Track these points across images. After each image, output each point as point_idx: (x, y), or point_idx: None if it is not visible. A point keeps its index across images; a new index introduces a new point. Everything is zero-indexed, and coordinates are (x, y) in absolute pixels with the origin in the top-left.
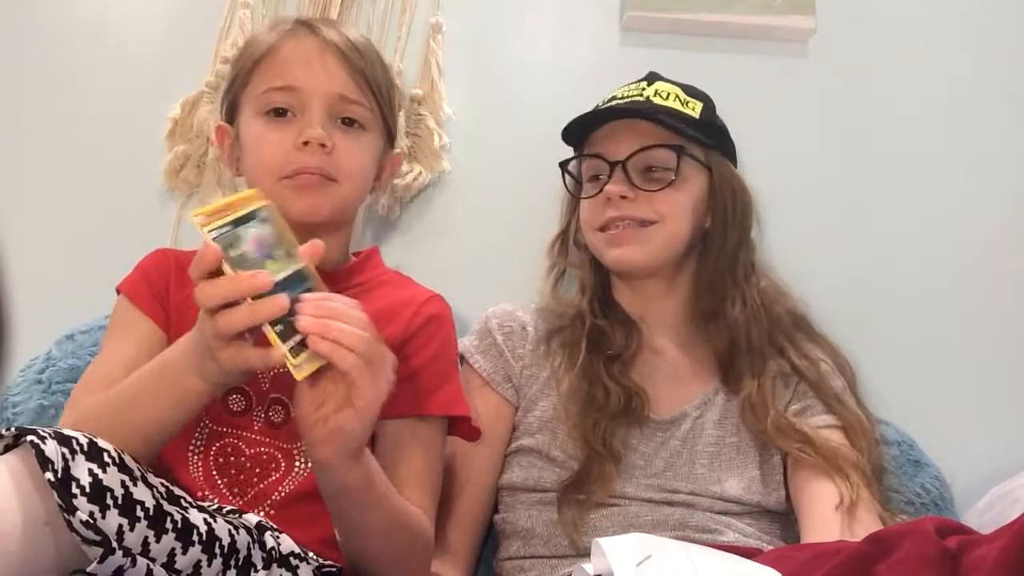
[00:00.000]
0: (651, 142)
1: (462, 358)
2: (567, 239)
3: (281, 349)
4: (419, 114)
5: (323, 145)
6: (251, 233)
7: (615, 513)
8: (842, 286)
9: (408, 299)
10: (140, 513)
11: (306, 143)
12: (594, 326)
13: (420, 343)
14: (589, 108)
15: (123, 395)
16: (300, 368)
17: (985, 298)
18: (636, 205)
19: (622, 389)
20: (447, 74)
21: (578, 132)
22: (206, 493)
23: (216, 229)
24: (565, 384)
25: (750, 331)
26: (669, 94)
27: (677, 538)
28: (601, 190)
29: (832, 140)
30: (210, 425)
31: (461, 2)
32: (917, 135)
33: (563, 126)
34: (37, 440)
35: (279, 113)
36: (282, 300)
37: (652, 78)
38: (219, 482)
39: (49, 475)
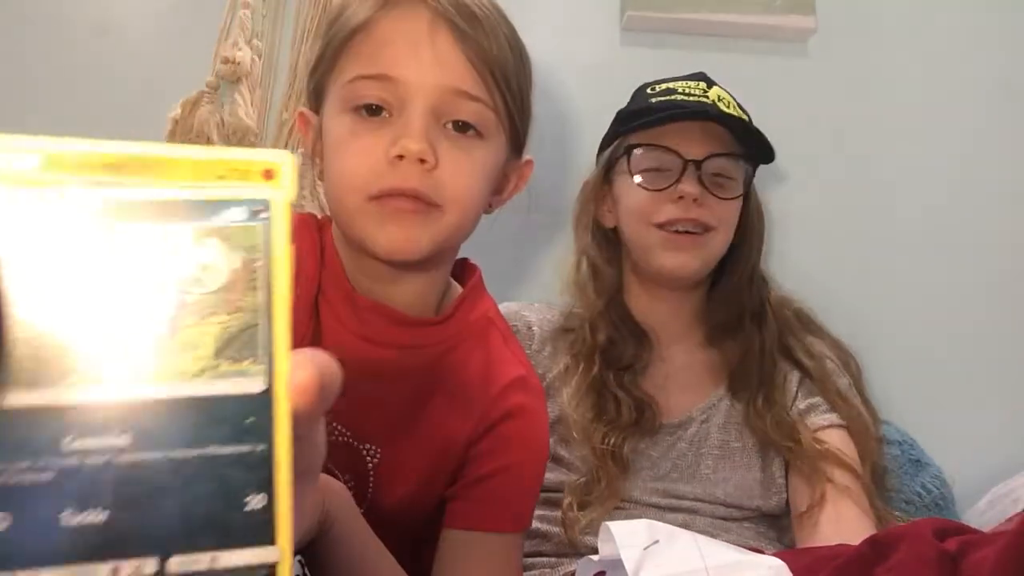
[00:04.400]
0: (724, 149)
1: None
2: (593, 219)
3: None
4: None
5: (423, 161)
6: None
7: (618, 517)
8: (842, 285)
9: (489, 380)
10: None
11: (401, 157)
12: (606, 337)
13: (491, 445)
14: (590, 108)
15: None
16: None
17: (985, 298)
18: (703, 211)
19: (634, 401)
20: None
21: (642, 117)
22: None
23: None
24: (573, 391)
25: (764, 342)
26: (729, 103)
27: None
28: (670, 185)
29: (832, 140)
30: None
31: None
32: (917, 135)
33: (561, 125)
34: None
35: (371, 111)
36: None
37: (706, 80)
38: None
39: None
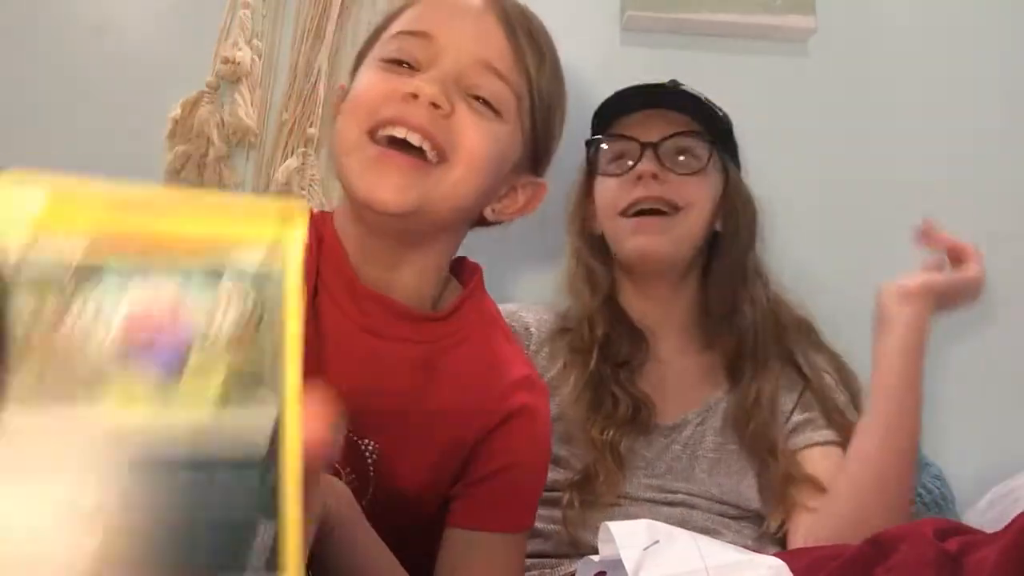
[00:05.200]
0: (685, 129)
1: None
2: (582, 223)
3: None
4: None
5: (436, 105)
6: (150, 293)
7: (616, 513)
8: (842, 285)
9: (494, 378)
10: None
11: (415, 96)
12: (604, 334)
13: (496, 445)
14: (590, 108)
15: None
16: None
17: (986, 297)
18: (665, 188)
19: (631, 398)
20: None
21: (607, 115)
22: None
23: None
24: (571, 387)
25: (758, 334)
26: (697, 94)
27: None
28: (629, 170)
29: (832, 140)
30: None
31: None
32: (917, 135)
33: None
34: None
35: (401, 64)
36: None
37: (676, 83)
38: None
39: None
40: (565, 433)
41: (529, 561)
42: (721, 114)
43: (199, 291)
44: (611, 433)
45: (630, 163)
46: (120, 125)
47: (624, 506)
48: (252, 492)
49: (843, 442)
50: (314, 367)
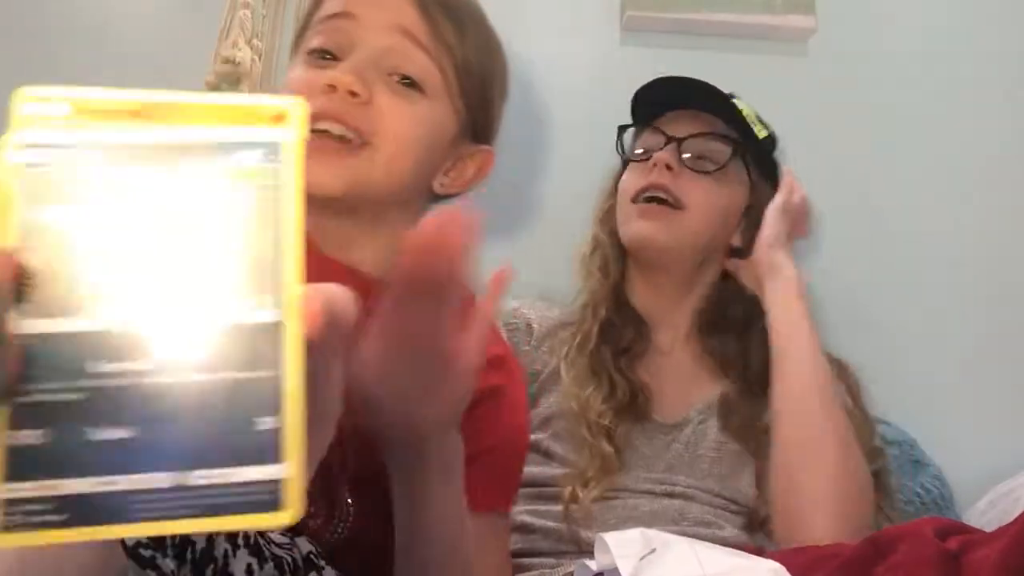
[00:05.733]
0: (709, 130)
1: None
2: (606, 212)
3: None
4: None
5: (354, 95)
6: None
7: (615, 506)
8: (842, 285)
9: None
10: (189, 556)
11: (332, 88)
12: (607, 319)
13: (470, 428)
14: (590, 108)
15: None
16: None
17: (985, 297)
18: (675, 182)
19: (628, 383)
20: None
21: (646, 106)
22: None
23: (48, 136)
24: (571, 373)
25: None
26: (745, 109)
27: (675, 531)
28: (649, 158)
29: (832, 140)
30: None
31: None
32: (917, 135)
33: (561, 125)
34: None
35: (322, 56)
36: None
37: (731, 95)
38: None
39: None
40: (564, 430)
41: (529, 560)
42: (766, 135)
43: (206, 187)
44: (608, 418)
45: (653, 152)
46: None
47: (623, 499)
48: (256, 384)
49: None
50: None
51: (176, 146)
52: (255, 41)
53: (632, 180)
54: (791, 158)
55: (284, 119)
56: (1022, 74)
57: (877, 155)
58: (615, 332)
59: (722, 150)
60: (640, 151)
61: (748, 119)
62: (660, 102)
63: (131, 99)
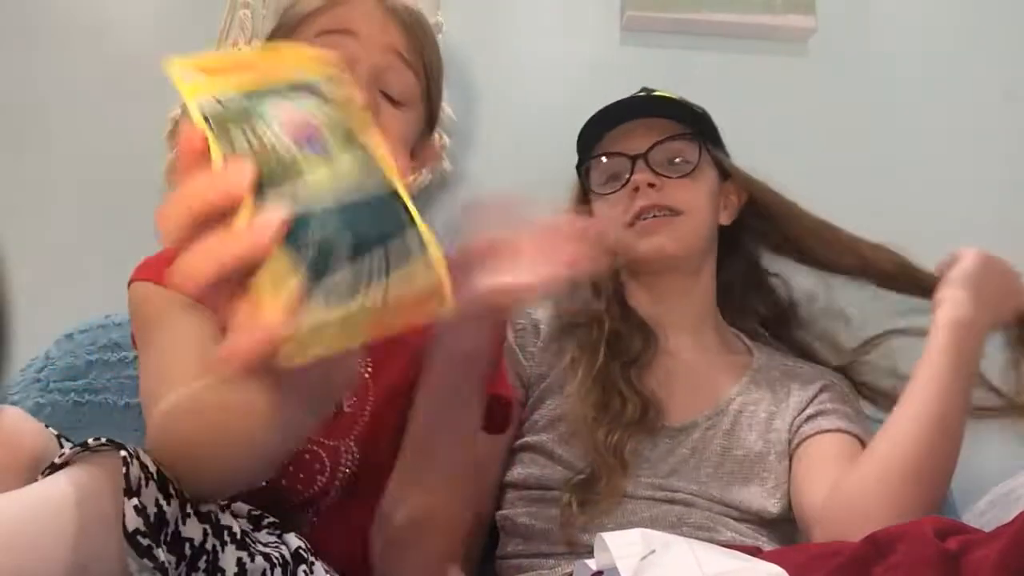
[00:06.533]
0: (666, 134)
1: None
2: None
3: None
4: None
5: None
6: (283, 110)
7: (615, 510)
8: (842, 284)
9: None
10: (188, 551)
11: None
12: (613, 330)
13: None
14: (590, 108)
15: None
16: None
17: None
18: (664, 194)
19: (639, 398)
20: (447, 74)
21: (590, 137)
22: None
23: (212, 96)
24: (577, 386)
25: (773, 323)
26: (672, 96)
27: (675, 535)
28: (625, 183)
29: (832, 140)
30: None
31: (461, 2)
32: (917, 135)
33: (561, 125)
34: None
35: None
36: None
37: (648, 90)
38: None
39: (136, 501)
40: (568, 432)
41: (527, 561)
42: (700, 111)
43: (300, 103)
44: (617, 436)
45: (625, 177)
46: (120, 125)
47: (623, 503)
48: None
49: (859, 436)
50: None
51: (274, 81)
52: (255, 41)
53: (618, 208)
54: (791, 158)
55: (329, 64)
56: (1022, 74)
57: (876, 155)
58: (622, 344)
59: (687, 147)
60: (608, 180)
61: (681, 102)
62: (601, 127)
63: (236, 57)
